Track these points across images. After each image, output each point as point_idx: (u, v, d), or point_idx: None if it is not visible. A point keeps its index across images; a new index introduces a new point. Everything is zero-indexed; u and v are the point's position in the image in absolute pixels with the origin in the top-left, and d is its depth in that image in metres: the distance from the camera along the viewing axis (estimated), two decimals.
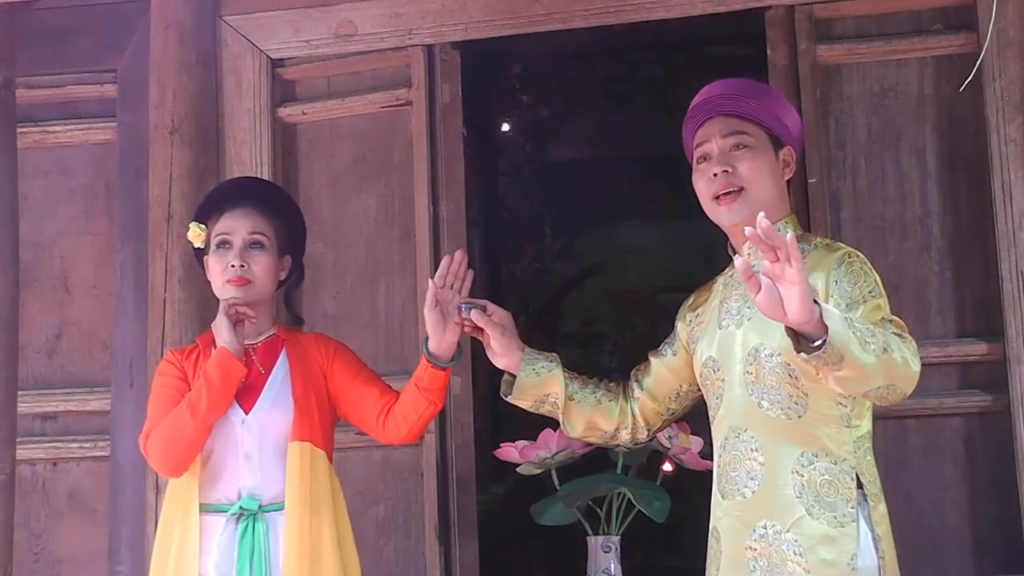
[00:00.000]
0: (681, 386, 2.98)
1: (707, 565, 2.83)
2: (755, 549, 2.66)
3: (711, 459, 3.49)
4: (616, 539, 3.45)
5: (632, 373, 3.03)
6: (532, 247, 7.74)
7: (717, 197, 2.75)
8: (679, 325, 2.97)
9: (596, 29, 4.25)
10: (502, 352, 2.92)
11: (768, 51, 4.01)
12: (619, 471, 3.51)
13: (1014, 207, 3.74)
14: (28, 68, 3.91)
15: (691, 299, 2.99)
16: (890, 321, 2.54)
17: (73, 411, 4.29)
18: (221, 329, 3.03)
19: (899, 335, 2.50)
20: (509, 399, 2.98)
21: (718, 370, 2.79)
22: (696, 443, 3.46)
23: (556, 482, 3.57)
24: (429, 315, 3.01)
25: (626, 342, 8.17)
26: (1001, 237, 3.75)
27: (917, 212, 3.90)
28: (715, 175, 2.75)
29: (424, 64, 4.18)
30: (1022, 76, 3.77)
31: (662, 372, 2.98)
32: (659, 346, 3.03)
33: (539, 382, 2.89)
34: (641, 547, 4.02)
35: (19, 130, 3.65)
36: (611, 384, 3.01)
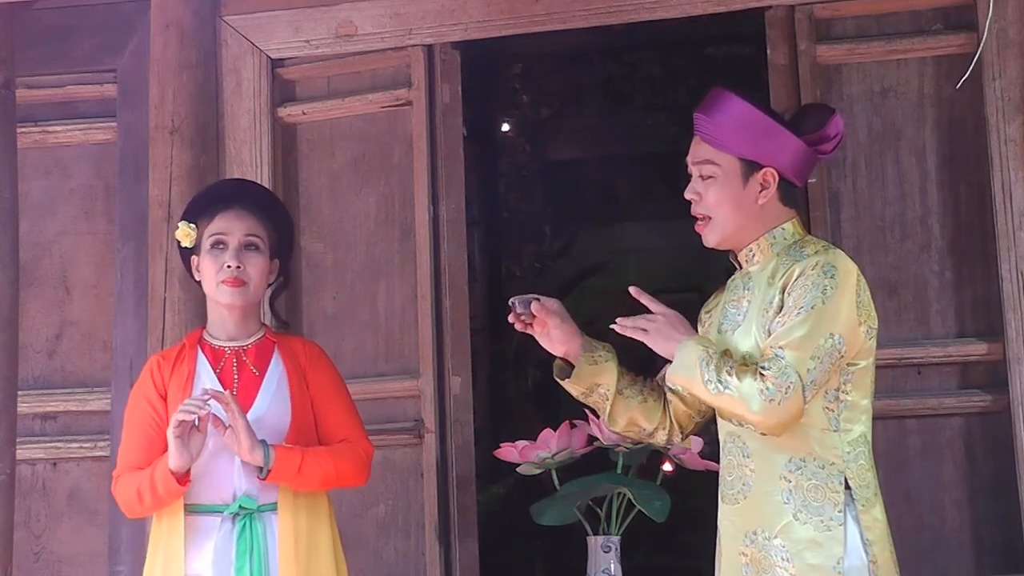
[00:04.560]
0: None
1: (716, 563, 2.84)
2: (746, 555, 2.69)
3: (711, 459, 3.50)
4: (616, 539, 3.44)
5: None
6: (532, 247, 7.74)
7: (695, 219, 2.84)
8: (699, 328, 2.98)
9: (596, 29, 4.24)
10: (564, 340, 2.85)
11: (768, 51, 4.01)
12: (619, 471, 3.51)
13: (1014, 207, 3.74)
14: (28, 68, 3.91)
15: (708, 301, 3.00)
16: (783, 348, 2.57)
17: (73, 411, 4.29)
18: (170, 448, 2.96)
19: (759, 375, 2.57)
20: (564, 383, 2.95)
21: None
22: (696, 443, 3.46)
23: (556, 482, 3.56)
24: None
25: (626, 342, 8.17)
26: (1001, 237, 3.75)
27: (917, 212, 3.90)
28: (690, 199, 2.84)
29: (424, 64, 4.18)
30: (1022, 76, 3.78)
31: None
32: None
33: (595, 371, 2.87)
34: (641, 547, 4.02)
35: (19, 130, 3.65)
36: (654, 383, 3.00)
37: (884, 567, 2.63)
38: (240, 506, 3.02)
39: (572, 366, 2.87)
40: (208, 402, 2.95)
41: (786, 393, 2.54)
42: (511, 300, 2.84)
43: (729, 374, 2.59)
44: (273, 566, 3.01)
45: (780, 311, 2.65)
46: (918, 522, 3.75)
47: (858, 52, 3.95)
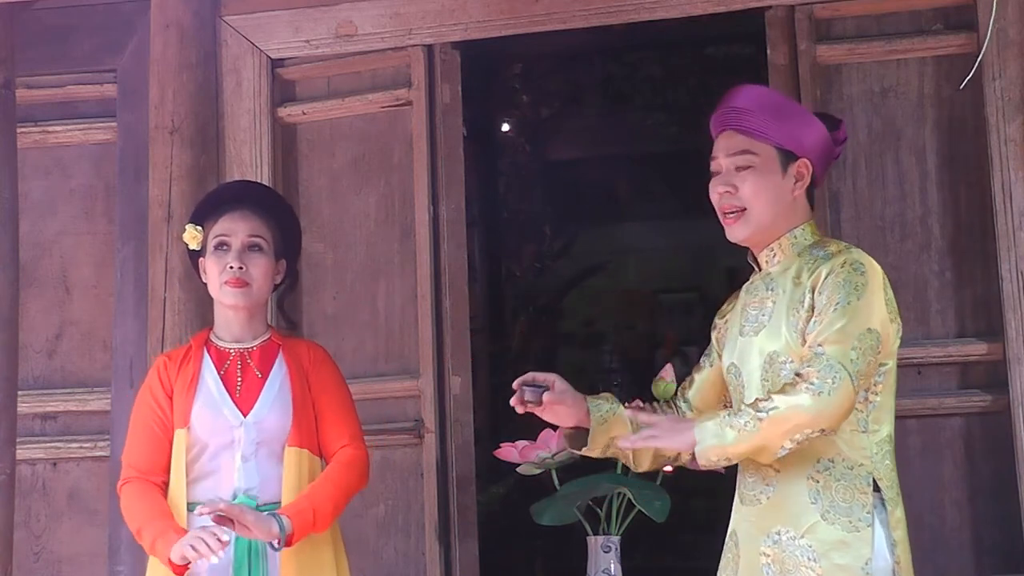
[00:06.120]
0: (724, 396, 2.96)
1: (721, 567, 2.83)
2: (768, 555, 2.68)
3: None
4: (616, 539, 3.44)
5: (679, 391, 3.02)
6: (532, 247, 7.74)
7: (724, 214, 2.80)
8: (713, 335, 2.97)
9: (596, 29, 4.24)
10: (573, 413, 2.80)
11: (768, 51, 4.01)
12: (619, 471, 3.51)
13: (1014, 207, 3.74)
14: (28, 68, 3.91)
15: (722, 308, 2.99)
16: (821, 346, 2.56)
17: (73, 411, 4.29)
18: (174, 550, 2.89)
19: (798, 378, 2.54)
20: (582, 452, 2.91)
21: (739, 376, 2.80)
22: None
23: (556, 482, 3.56)
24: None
25: (626, 342, 8.19)
26: (1001, 237, 3.75)
27: (917, 212, 3.90)
28: (720, 193, 2.79)
29: (424, 64, 4.18)
30: (1022, 76, 3.78)
31: (705, 386, 2.97)
32: (699, 360, 3.02)
33: (606, 428, 2.81)
34: (641, 547, 4.02)
35: (19, 130, 3.65)
36: (665, 407, 2.98)
37: (906, 568, 2.65)
38: None
39: (578, 429, 2.83)
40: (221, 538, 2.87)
41: (833, 383, 2.52)
42: (522, 388, 2.74)
43: (765, 400, 2.55)
44: (273, 566, 3.01)
45: (812, 311, 2.63)
46: (918, 522, 3.72)
47: (858, 52, 3.95)
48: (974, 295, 3.85)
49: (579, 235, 8.07)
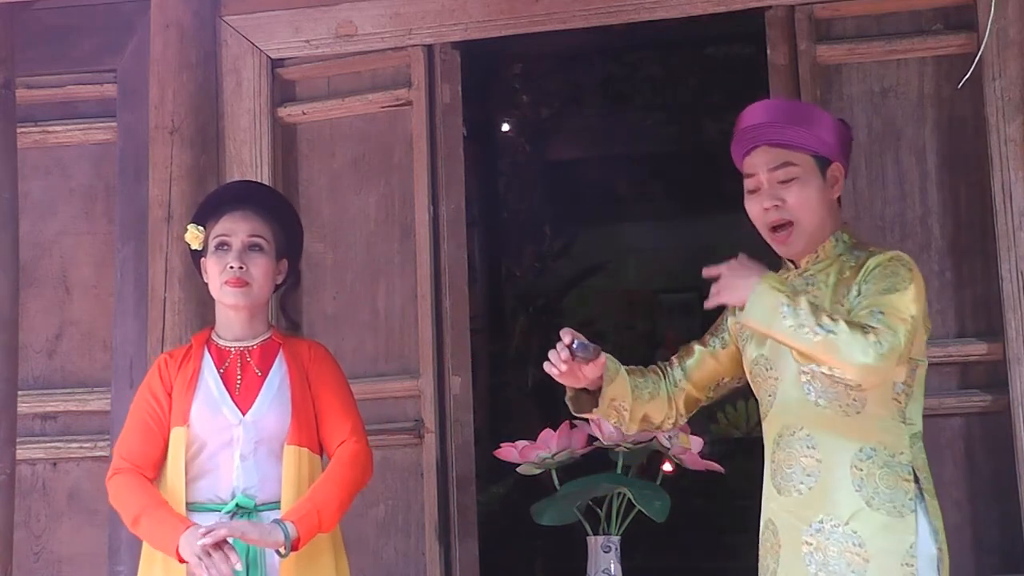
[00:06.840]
0: (723, 378, 3.01)
1: (760, 556, 2.86)
2: (811, 543, 2.71)
3: (711, 459, 3.51)
4: (616, 539, 3.45)
5: (674, 360, 3.03)
6: (532, 247, 7.74)
7: (773, 229, 2.83)
8: (729, 319, 2.99)
9: (596, 29, 4.25)
10: (589, 375, 2.83)
11: (768, 51, 4.01)
12: (619, 471, 3.52)
13: (1014, 207, 3.74)
14: (28, 68, 3.91)
15: None
16: (882, 312, 2.58)
17: (73, 411, 4.29)
18: (183, 545, 2.91)
19: (869, 328, 2.54)
20: (584, 415, 2.93)
21: (771, 368, 2.82)
22: (696, 443, 3.46)
23: (556, 482, 3.57)
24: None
25: (626, 342, 8.18)
26: (1001, 237, 3.75)
27: (917, 212, 3.90)
28: (766, 208, 2.81)
29: (424, 64, 4.18)
30: (1022, 76, 3.77)
31: (708, 362, 2.99)
32: (704, 335, 3.03)
33: (611, 389, 2.86)
34: (641, 547, 4.02)
35: (19, 130, 3.66)
36: (652, 373, 3.00)
37: (946, 560, 2.72)
38: (237, 505, 3.02)
39: (582, 391, 2.86)
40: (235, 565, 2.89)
41: (889, 349, 2.54)
42: (573, 344, 2.75)
43: (834, 320, 2.53)
44: (272, 568, 3.01)
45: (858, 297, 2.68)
46: None
47: (858, 52, 3.95)
48: (974, 295, 3.85)
49: (579, 235, 8.07)
